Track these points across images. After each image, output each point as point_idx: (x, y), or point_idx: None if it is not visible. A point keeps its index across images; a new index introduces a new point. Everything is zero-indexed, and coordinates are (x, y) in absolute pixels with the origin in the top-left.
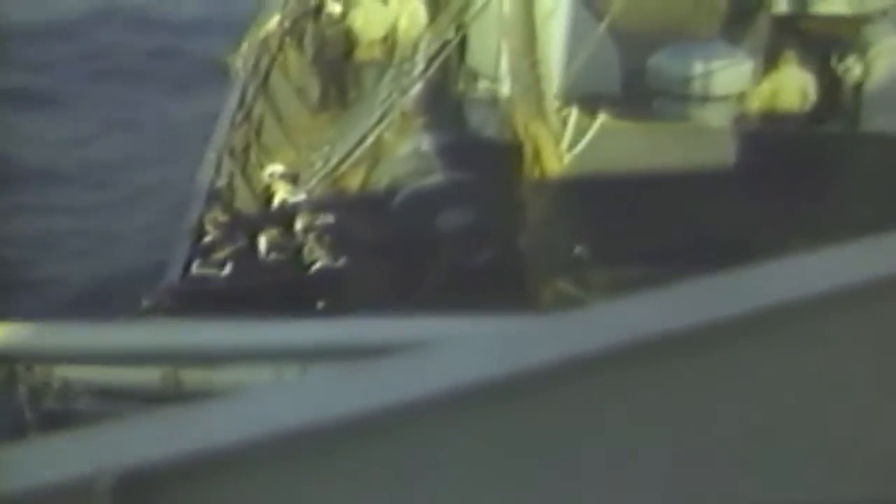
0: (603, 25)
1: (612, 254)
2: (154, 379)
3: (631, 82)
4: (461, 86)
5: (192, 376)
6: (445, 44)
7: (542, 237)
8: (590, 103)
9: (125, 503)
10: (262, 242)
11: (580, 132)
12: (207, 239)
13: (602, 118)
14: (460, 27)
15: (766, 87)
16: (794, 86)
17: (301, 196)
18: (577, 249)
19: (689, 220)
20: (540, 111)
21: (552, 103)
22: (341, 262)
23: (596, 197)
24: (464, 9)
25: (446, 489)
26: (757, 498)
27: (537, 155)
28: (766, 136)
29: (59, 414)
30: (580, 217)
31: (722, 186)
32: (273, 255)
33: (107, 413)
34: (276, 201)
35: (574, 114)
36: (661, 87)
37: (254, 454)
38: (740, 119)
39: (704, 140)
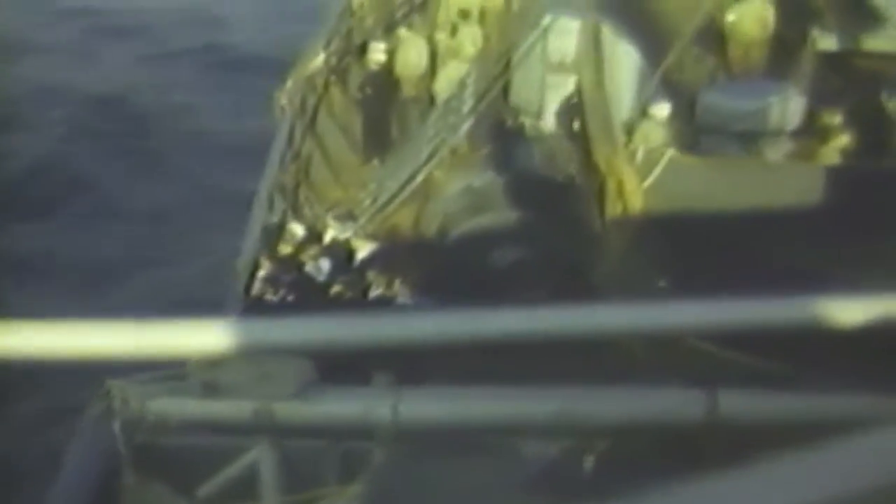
0: (665, 64)
1: (685, 289)
2: (247, 412)
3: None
4: (508, 122)
5: (286, 409)
6: (494, 81)
7: (614, 273)
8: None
9: None
10: (317, 280)
11: (648, 167)
12: (261, 276)
13: (670, 153)
14: (507, 64)
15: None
16: None
17: (349, 233)
18: (659, 284)
19: (761, 256)
20: (615, 147)
21: (621, 139)
22: (396, 299)
23: (665, 232)
24: (511, 47)
25: None
26: None
27: (620, 190)
28: (831, 173)
29: (152, 448)
30: (651, 252)
31: (791, 222)
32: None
33: (200, 447)
34: (327, 239)
35: (641, 150)
36: (713, 123)
37: None
38: (795, 155)
39: (769, 176)
